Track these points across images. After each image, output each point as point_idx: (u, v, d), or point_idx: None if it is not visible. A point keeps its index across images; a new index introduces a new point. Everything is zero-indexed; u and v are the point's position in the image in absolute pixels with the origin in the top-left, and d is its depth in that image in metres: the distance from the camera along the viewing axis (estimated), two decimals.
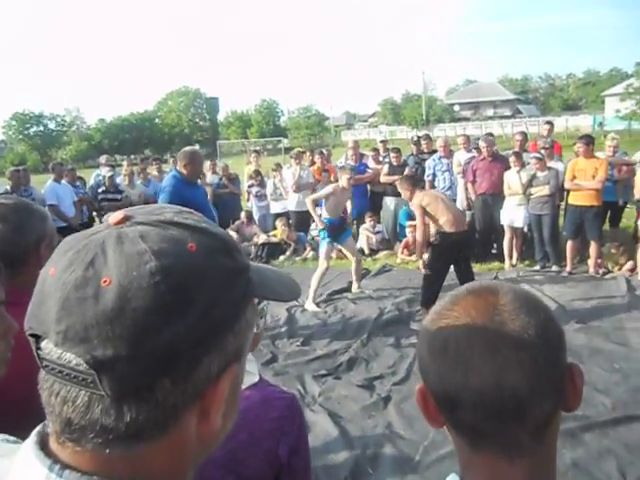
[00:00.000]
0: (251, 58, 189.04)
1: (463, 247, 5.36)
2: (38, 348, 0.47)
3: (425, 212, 5.23)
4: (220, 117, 72.04)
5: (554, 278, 6.41)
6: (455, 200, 7.85)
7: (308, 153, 10.20)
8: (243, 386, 1.23)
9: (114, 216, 0.51)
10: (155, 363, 0.45)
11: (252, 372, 1.27)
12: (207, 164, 9.85)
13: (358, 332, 4.96)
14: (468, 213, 7.60)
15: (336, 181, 6.49)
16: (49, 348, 0.46)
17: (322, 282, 5.95)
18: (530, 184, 6.66)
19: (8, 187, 7.26)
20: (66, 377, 0.46)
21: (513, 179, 6.79)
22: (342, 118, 76.51)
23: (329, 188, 6.01)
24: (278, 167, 9.35)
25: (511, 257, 7.00)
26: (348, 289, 6.31)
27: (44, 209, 1.54)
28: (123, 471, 0.48)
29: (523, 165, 6.82)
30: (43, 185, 8.20)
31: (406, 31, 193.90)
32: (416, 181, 5.71)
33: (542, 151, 7.08)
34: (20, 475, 0.49)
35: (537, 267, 6.81)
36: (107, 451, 0.47)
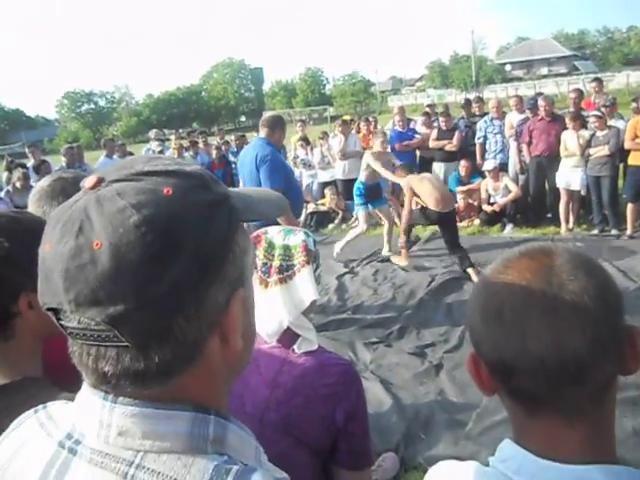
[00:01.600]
0: (294, 26, 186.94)
1: (445, 223, 5.60)
2: (59, 319, 0.51)
3: (414, 194, 5.59)
4: (265, 87, 72.16)
5: (614, 242, 6.15)
6: (507, 164, 7.62)
7: (354, 120, 10.08)
8: (301, 351, 1.24)
9: (88, 180, 0.52)
10: (164, 307, 0.48)
11: (310, 339, 1.29)
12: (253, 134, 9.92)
13: (409, 299, 4.94)
14: (521, 177, 7.36)
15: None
16: (67, 317, 0.50)
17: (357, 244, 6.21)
18: (589, 144, 6.36)
19: (64, 164, 7.51)
20: (90, 338, 0.49)
21: (570, 140, 6.48)
22: (388, 83, 75.04)
23: (368, 157, 6.15)
24: (325, 135, 9.27)
25: (567, 221, 6.73)
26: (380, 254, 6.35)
27: None
28: (168, 398, 0.53)
29: (582, 125, 6.50)
30: (96, 161, 8.45)
31: None
32: (411, 169, 6.26)
33: (602, 109, 6.71)
34: (78, 407, 0.56)
35: (595, 231, 6.54)
36: (146, 391, 0.52)
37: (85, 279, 0.47)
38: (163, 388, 0.52)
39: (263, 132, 4.23)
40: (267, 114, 4.70)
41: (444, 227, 5.61)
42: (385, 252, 6.30)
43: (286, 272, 1.26)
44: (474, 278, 5.25)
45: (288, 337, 1.27)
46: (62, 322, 0.50)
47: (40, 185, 1.55)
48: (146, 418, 0.52)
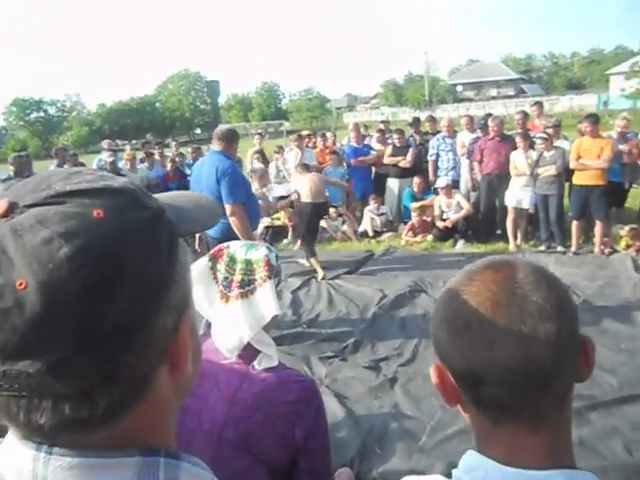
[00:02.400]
0: (251, 40, 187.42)
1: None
2: None
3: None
4: (221, 100, 71.79)
5: (560, 258, 6.39)
6: (459, 181, 7.83)
7: (310, 136, 10.14)
8: (261, 367, 1.23)
9: None
10: (109, 347, 0.43)
11: (270, 355, 1.28)
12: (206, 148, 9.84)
13: (363, 314, 4.97)
14: (473, 194, 7.57)
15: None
16: None
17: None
18: (537, 164, 6.61)
19: (11, 173, 7.22)
20: (19, 390, 0.42)
21: (520, 159, 6.73)
22: (344, 100, 76.06)
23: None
24: (280, 149, 9.30)
25: (516, 238, 6.97)
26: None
27: None
28: (111, 443, 0.47)
29: (530, 145, 6.76)
30: (45, 171, 8.18)
31: (408, 10, 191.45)
32: (307, 166, 6.96)
33: (549, 130, 7.00)
34: (3, 459, 0.48)
35: (542, 247, 6.79)
36: (90, 437, 0.46)
37: (11, 326, 0.40)
38: (107, 432, 0.46)
39: (219, 145, 4.17)
40: (221, 127, 4.64)
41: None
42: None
43: (247, 287, 1.25)
44: (317, 269, 6.05)
45: (248, 353, 1.26)
46: None
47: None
48: (87, 469, 0.45)
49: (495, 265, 0.69)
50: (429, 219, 7.66)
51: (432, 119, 9.18)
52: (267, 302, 1.24)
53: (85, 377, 0.42)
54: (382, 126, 9.68)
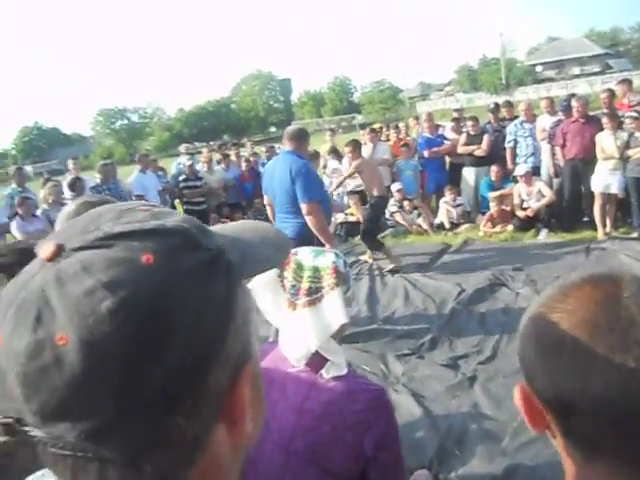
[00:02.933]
0: (320, 36, 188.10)
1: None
2: (21, 429, 0.40)
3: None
4: (293, 98, 72.58)
5: None
6: (539, 168, 7.45)
7: (383, 128, 10.02)
8: (329, 376, 1.20)
9: (44, 249, 0.41)
10: (155, 411, 0.39)
11: (339, 364, 1.25)
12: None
13: (440, 309, 4.84)
14: (556, 181, 7.19)
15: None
16: (32, 427, 0.39)
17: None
18: (627, 146, 6.16)
19: (99, 181, 7.67)
20: (64, 449, 0.39)
21: (607, 142, 6.29)
22: (417, 89, 74.57)
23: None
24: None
25: (604, 225, 6.53)
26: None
27: None
28: None
29: (619, 126, 6.30)
30: (129, 176, 8.61)
31: None
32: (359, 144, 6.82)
33: (638, 108, 6.50)
34: None
35: (635, 234, 6.32)
36: None
37: (50, 386, 0.37)
38: None
39: (291, 145, 4.21)
40: (291, 127, 4.69)
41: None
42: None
43: (315, 294, 1.23)
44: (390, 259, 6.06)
45: (316, 361, 1.24)
46: (26, 431, 0.40)
47: (66, 209, 1.56)
48: None
49: (595, 280, 0.60)
50: (508, 209, 7.35)
51: (509, 104, 8.78)
52: (335, 310, 1.21)
53: (129, 444, 0.39)
54: (456, 114, 9.38)
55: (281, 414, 1.22)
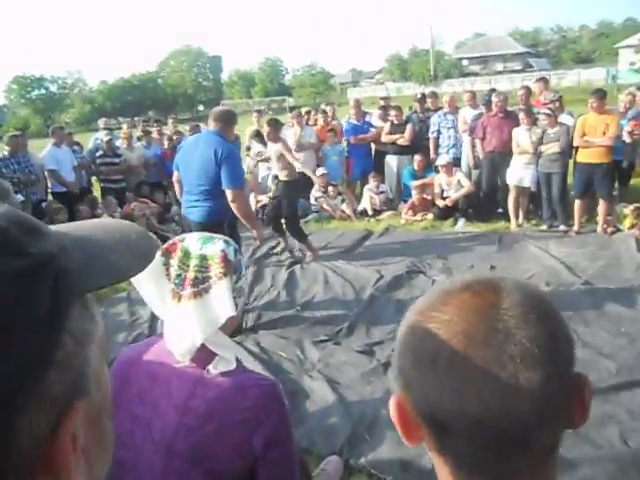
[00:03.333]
0: (254, 15, 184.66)
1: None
2: None
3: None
4: (224, 76, 71.02)
5: (561, 238, 6.27)
6: (460, 159, 7.67)
7: (311, 112, 9.95)
8: (217, 371, 1.13)
9: None
10: None
11: (227, 358, 1.17)
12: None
13: (359, 296, 4.89)
14: (474, 172, 7.43)
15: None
16: None
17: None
18: (540, 142, 6.45)
19: (6, 153, 7.13)
20: None
21: (523, 137, 6.56)
22: (348, 75, 75.07)
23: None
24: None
25: (517, 217, 6.83)
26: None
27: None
28: None
29: (534, 122, 6.59)
30: (42, 150, 8.06)
31: None
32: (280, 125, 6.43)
33: (550, 105, 6.81)
34: None
35: (544, 226, 6.66)
36: None
37: None
38: None
39: (216, 126, 4.07)
40: (219, 107, 4.53)
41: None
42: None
43: (201, 285, 1.15)
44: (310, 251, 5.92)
45: (204, 356, 1.16)
46: None
47: None
48: None
49: (476, 287, 0.56)
50: (429, 198, 7.53)
51: (434, 95, 8.96)
52: (222, 302, 1.14)
53: None
54: (383, 102, 9.47)
55: (164, 413, 1.14)
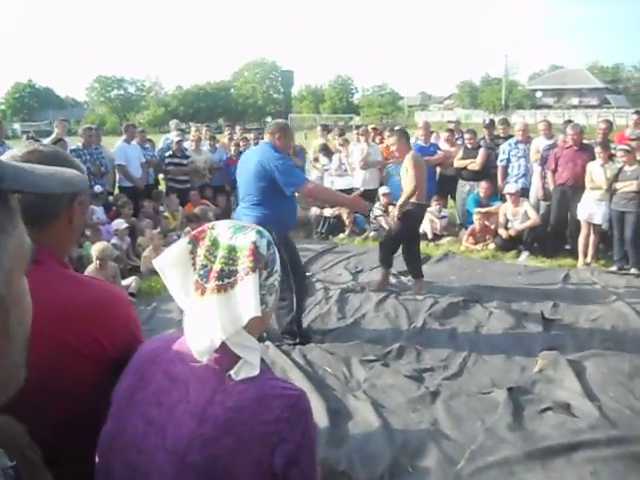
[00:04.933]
0: (328, 33, 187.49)
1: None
2: None
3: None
4: (294, 91, 72.21)
5: (632, 281, 5.89)
6: (529, 189, 7.40)
7: (377, 130, 9.90)
8: (239, 377, 1.03)
9: None
10: None
11: (251, 363, 1.04)
12: None
13: (411, 319, 4.74)
14: (543, 204, 7.14)
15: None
16: None
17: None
18: (616, 178, 6.13)
19: (80, 144, 7.41)
20: None
21: (597, 172, 6.26)
22: (417, 98, 74.82)
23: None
24: (345, 142, 9.11)
25: (586, 255, 6.50)
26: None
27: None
28: None
29: (610, 157, 6.28)
30: (113, 145, 8.35)
31: (490, 12, 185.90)
32: (408, 137, 5.75)
33: (632, 143, 6.47)
34: None
35: (614, 268, 6.29)
36: None
37: None
38: None
39: (269, 138, 4.12)
40: (275, 120, 4.58)
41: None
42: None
43: (227, 279, 1.03)
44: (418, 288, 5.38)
45: (227, 357, 1.04)
46: None
47: (12, 153, 1.40)
48: None
49: None
50: (492, 226, 7.29)
51: (505, 122, 8.73)
52: (247, 300, 1.01)
53: None
54: (451, 126, 9.31)
55: (180, 419, 1.03)
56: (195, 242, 1.09)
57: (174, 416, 1.03)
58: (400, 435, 3.01)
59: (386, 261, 5.48)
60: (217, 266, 1.04)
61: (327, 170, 8.97)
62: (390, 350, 4.08)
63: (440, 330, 4.52)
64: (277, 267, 1.11)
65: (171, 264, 1.10)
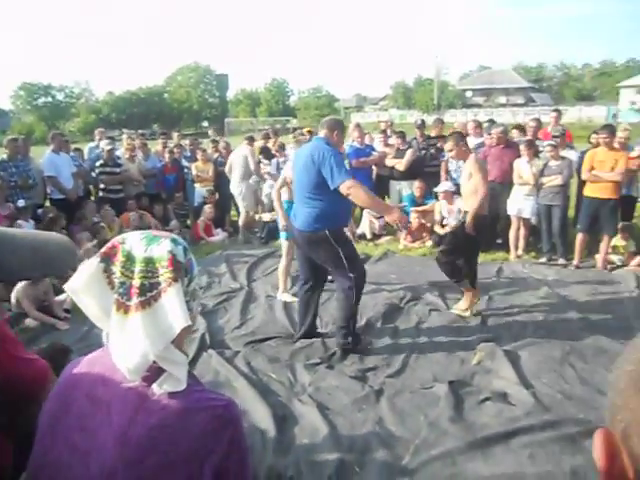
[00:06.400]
0: (262, 36, 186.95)
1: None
2: None
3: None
4: (229, 95, 71.53)
5: (560, 271, 6.21)
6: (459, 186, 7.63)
7: (313, 133, 9.94)
8: (161, 391, 0.98)
9: None
10: None
11: (177, 376, 1.01)
12: (210, 142, 9.82)
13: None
14: None
15: None
16: None
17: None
18: (542, 174, 6.43)
19: (5, 157, 7.05)
20: None
21: (524, 168, 6.55)
22: (352, 100, 75.70)
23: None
24: (281, 147, 9.11)
25: (517, 248, 6.79)
26: None
27: None
28: None
29: (535, 154, 6.58)
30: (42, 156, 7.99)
31: (420, 14, 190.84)
32: (465, 139, 5.16)
33: (554, 139, 6.81)
34: None
35: (543, 259, 6.60)
36: None
37: None
38: None
39: (322, 133, 4.13)
40: (332, 117, 4.50)
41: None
42: (280, 293, 5.48)
43: (149, 292, 1.00)
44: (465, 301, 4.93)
45: (152, 373, 1.00)
46: None
47: None
48: None
49: None
50: (429, 224, 7.48)
51: (440, 121, 8.97)
52: (175, 311, 0.99)
53: None
54: (384, 126, 9.48)
55: (103, 444, 0.98)
56: (107, 259, 1.05)
57: (97, 441, 0.99)
58: (346, 436, 3.05)
59: (459, 273, 4.90)
60: (137, 282, 1.01)
61: (268, 172, 8.94)
62: (334, 352, 4.12)
63: (382, 329, 4.60)
64: (196, 271, 1.09)
65: (84, 286, 1.05)
